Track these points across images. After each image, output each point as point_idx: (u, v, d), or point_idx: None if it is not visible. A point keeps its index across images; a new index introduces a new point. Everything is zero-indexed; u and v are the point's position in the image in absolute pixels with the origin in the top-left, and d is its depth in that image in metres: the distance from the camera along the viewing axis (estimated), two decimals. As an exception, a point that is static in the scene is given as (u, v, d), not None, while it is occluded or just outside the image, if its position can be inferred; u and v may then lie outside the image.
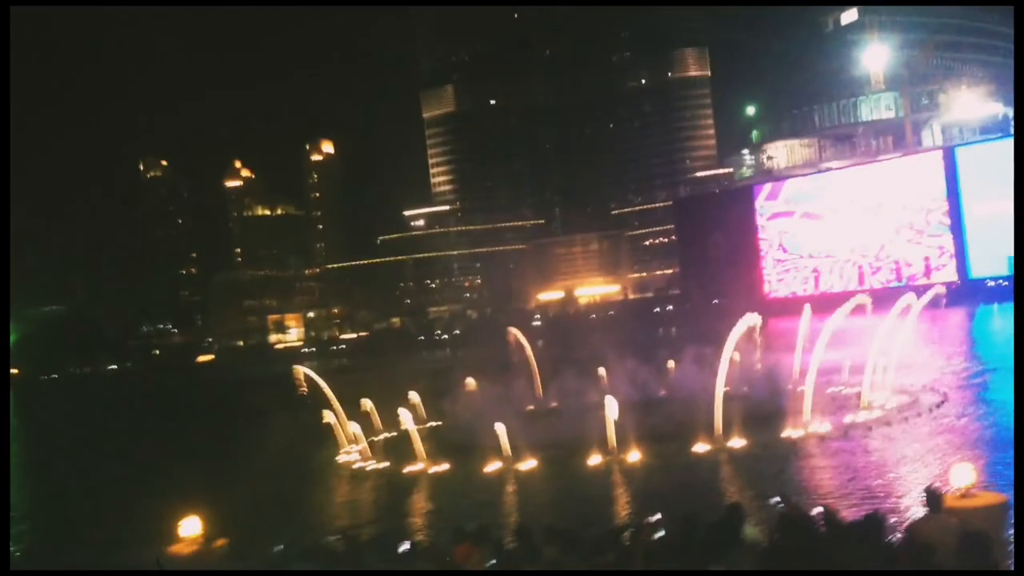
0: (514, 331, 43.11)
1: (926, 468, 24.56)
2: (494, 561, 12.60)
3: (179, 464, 35.96)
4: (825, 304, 42.62)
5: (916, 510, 18.59)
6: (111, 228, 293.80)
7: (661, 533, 12.77)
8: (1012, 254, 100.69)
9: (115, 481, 34.90)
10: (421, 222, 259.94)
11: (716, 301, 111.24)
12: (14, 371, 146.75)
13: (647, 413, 34.28)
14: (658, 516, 13.28)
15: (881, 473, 24.83)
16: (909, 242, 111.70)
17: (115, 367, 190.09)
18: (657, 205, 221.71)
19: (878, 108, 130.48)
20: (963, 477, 12.71)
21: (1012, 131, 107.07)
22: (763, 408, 35.21)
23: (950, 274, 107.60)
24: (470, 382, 41.47)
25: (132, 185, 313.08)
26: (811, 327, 39.04)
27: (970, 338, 69.14)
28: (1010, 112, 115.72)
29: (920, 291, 38.62)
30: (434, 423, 40.67)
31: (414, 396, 40.97)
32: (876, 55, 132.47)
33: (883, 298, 40.20)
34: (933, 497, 11.79)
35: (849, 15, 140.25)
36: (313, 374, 38.84)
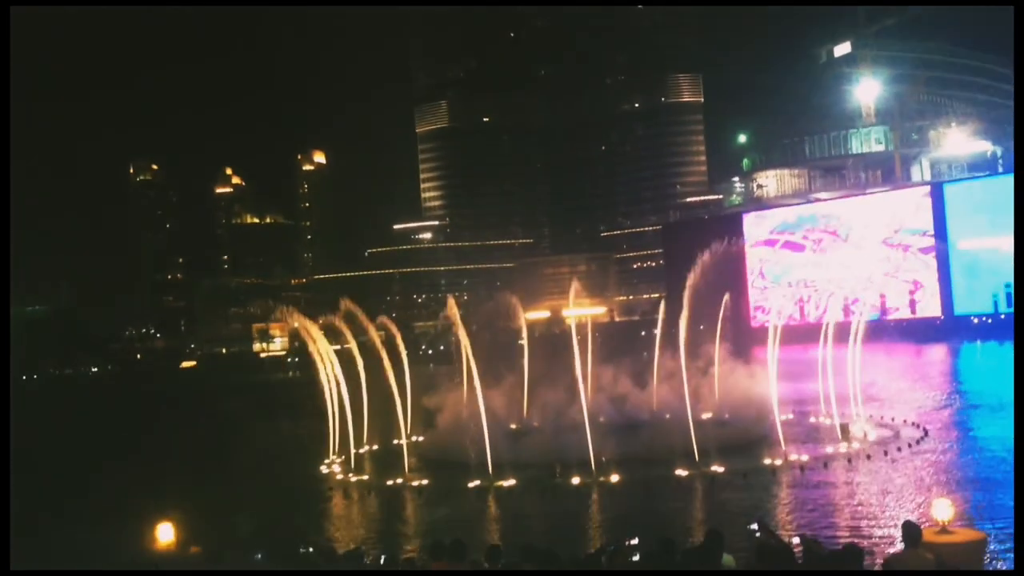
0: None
1: (904, 501, 24.62)
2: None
3: (157, 471, 35.71)
4: (808, 335, 42.78)
5: (894, 543, 18.65)
6: (97, 230, 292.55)
7: (637, 557, 12.76)
8: (996, 292, 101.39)
9: (90, 487, 34.61)
10: (410, 236, 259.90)
11: (701, 327, 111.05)
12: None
13: (629, 435, 34.32)
14: (636, 540, 13.27)
15: (858, 504, 24.88)
16: (894, 276, 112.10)
17: (96, 370, 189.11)
18: (646, 229, 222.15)
19: (868, 141, 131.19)
20: (942, 512, 12.74)
21: (1010, 161, 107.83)
22: (744, 435, 35.32)
23: (934, 309, 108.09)
24: (454, 398, 41.34)
25: (121, 188, 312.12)
26: (794, 357, 39.17)
27: (953, 374, 69.42)
28: (999, 151, 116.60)
29: (904, 325, 38.87)
30: (418, 438, 40.53)
31: (399, 410, 40.83)
32: (868, 89, 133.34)
33: (866, 331, 40.46)
34: (911, 531, 11.79)
35: (842, 48, 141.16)
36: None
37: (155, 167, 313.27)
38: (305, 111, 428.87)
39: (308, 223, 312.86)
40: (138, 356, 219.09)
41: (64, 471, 39.30)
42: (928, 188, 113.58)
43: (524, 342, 46.94)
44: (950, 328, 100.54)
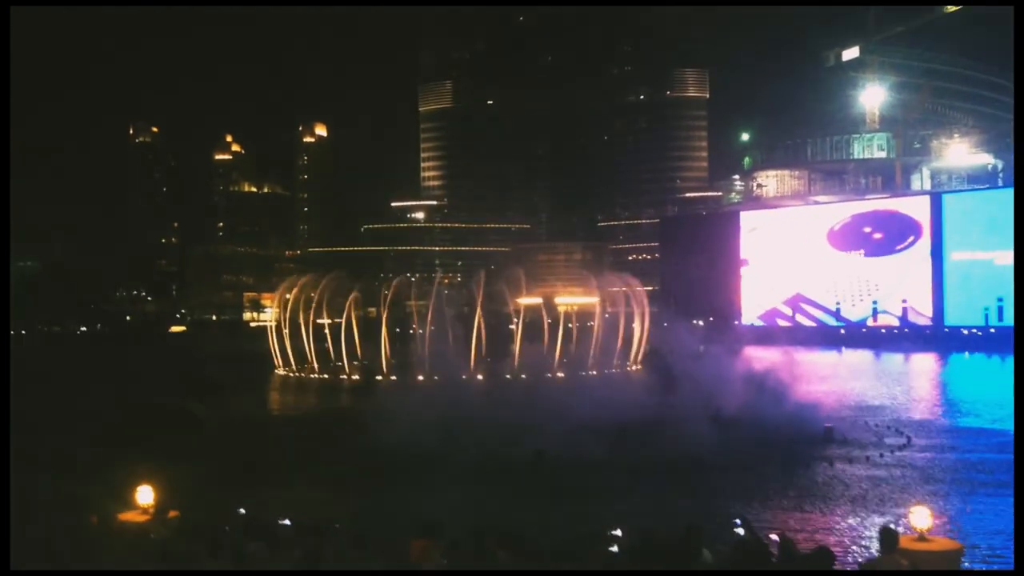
0: None
1: (882, 507, 24.69)
2: (445, 562, 12.51)
3: (140, 435, 35.53)
4: (799, 337, 42.89)
5: (871, 548, 18.69)
6: (94, 189, 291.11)
7: (615, 548, 12.76)
8: (988, 306, 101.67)
9: (68, 446, 34.30)
10: (407, 214, 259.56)
11: (697, 322, 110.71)
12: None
13: (618, 422, 34.28)
14: (617, 531, 13.26)
15: (837, 508, 24.95)
16: (888, 283, 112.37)
17: (85, 329, 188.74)
18: (643, 221, 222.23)
19: (870, 147, 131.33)
20: (920, 520, 12.74)
21: (1010, 171, 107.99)
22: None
23: (925, 319, 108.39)
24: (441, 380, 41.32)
25: (120, 148, 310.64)
26: (786, 358, 39.22)
27: (942, 384, 69.60)
28: (1000, 164, 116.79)
29: (894, 331, 38.95)
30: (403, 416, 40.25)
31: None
32: (873, 95, 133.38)
33: (857, 336, 40.57)
34: (887, 537, 11.80)
35: (851, 52, 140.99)
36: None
37: (155, 129, 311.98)
38: (309, 83, 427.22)
39: (305, 195, 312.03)
40: (127, 318, 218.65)
41: (42, 430, 38.93)
42: (928, 198, 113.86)
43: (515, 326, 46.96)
44: (940, 338, 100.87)
